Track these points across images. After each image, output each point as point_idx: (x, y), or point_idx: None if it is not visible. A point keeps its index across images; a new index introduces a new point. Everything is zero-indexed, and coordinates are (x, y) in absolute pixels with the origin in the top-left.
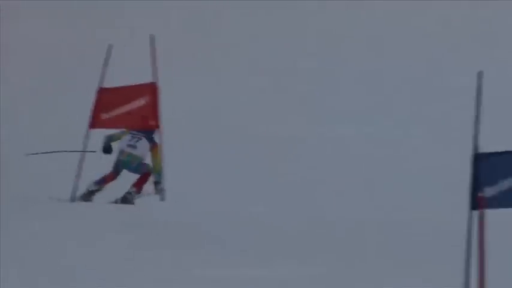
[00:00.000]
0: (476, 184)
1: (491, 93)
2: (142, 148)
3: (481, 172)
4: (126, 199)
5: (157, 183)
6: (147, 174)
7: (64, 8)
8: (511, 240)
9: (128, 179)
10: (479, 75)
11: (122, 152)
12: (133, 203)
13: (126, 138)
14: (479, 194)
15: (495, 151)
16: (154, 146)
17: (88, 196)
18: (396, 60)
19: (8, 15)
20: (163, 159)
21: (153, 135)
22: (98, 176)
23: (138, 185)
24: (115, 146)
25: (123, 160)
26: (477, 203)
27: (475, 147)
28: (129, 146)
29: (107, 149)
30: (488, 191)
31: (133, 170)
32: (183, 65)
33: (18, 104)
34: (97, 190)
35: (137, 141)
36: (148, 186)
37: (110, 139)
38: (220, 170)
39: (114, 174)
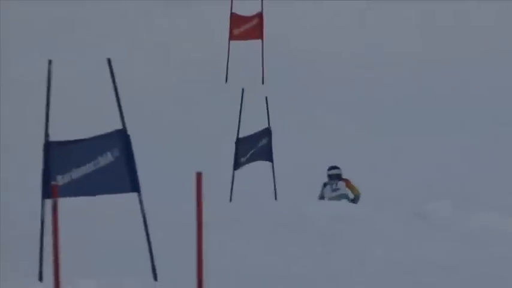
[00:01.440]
0: (49, 172)
1: None
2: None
3: (53, 160)
4: None
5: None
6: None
7: None
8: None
9: None
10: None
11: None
12: None
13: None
14: (52, 182)
15: (66, 140)
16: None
17: None
18: None
19: None
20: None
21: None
22: None
23: None
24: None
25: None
26: (50, 191)
27: (46, 135)
28: (334, 189)
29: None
30: (61, 179)
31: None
32: None
33: None
34: None
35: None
36: None
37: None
38: None
39: None
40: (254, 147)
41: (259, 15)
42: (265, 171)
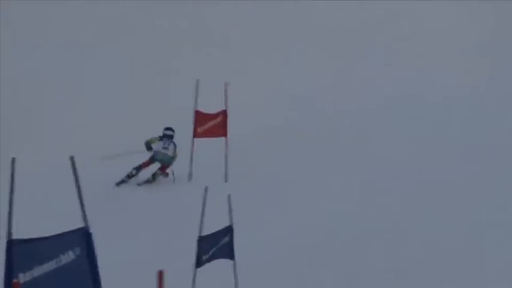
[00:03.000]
0: (11, 270)
1: None
2: (171, 149)
3: (15, 258)
4: (154, 176)
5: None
6: (168, 165)
7: None
8: None
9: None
10: None
11: (157, 151)
12: (155, 180)
13: (160, 143)
14: (14, 280)
15: (29, 238)
16: (175, 148)
17: (127, 178)
18: None
19: None
20: (177, 156)
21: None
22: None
23: (163, 170)
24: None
25: (158, 156)
26: None
27: (9, 234)
28: (164, 148)
29: (149, 148)
30: (23, 277)
31: (161, 162)
32: None
33: None
34: (135, 174)
35: (168, 145)
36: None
37: (149, 142)
38: None
39: (149, 163)
40: (215, 246)
41: (224, 113)
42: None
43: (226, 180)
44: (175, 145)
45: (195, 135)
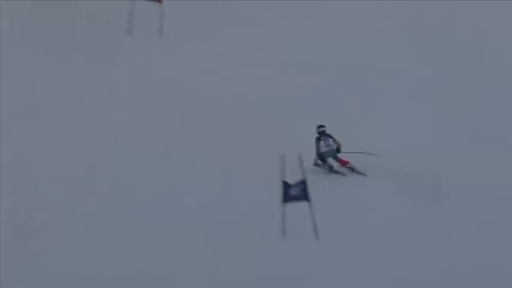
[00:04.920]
0: None
1: None
2: (332, 142)
3: None
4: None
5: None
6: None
7: None
8: None
9: None
10: None
11: (325, 152)
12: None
13: (322, 143)
14: None
15: None
16: (334, 140)
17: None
18: None
19: None
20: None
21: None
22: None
23: (343, 163)
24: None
25: (328, 155)
26: None
27: None
28: (327, 145)
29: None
30: None
31: (333, 157)
32: None
33: None
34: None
35: (328, 141)
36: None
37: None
38: None
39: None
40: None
41: None
42: None
43: None
44: (332, 137)
45: None
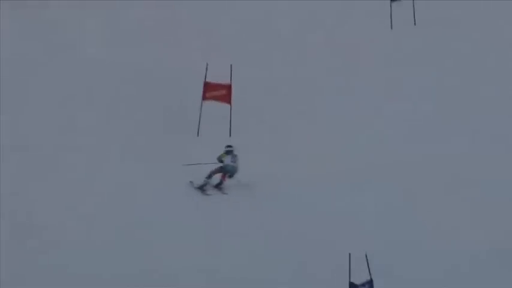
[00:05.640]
0: None
1: None
2: (236, 162)
3: None
4: (219, 184)
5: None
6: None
7: None
8: None
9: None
10: None
11: (227, 164)
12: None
13: (229, 157)
14: None
15: None
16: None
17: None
18: None
19: None
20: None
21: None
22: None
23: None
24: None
25: (227, 168)
26: None
27: None
28: (232, 161)
29: (220, 161)
30: None
31: (230, 173)
32: None
33: None
34: (207, 183)
35: (235, 158)
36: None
37: (220, 157)
38: None
39: (221, 174)
40: None
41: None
42: None
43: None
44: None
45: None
